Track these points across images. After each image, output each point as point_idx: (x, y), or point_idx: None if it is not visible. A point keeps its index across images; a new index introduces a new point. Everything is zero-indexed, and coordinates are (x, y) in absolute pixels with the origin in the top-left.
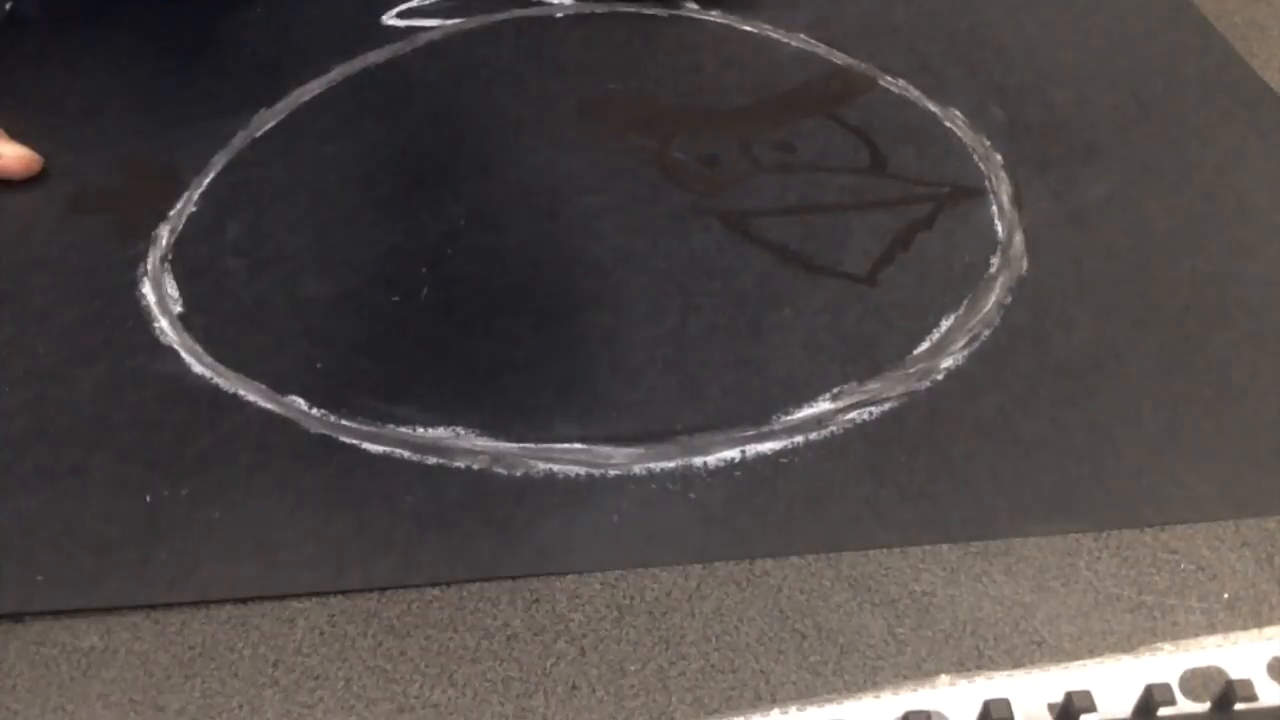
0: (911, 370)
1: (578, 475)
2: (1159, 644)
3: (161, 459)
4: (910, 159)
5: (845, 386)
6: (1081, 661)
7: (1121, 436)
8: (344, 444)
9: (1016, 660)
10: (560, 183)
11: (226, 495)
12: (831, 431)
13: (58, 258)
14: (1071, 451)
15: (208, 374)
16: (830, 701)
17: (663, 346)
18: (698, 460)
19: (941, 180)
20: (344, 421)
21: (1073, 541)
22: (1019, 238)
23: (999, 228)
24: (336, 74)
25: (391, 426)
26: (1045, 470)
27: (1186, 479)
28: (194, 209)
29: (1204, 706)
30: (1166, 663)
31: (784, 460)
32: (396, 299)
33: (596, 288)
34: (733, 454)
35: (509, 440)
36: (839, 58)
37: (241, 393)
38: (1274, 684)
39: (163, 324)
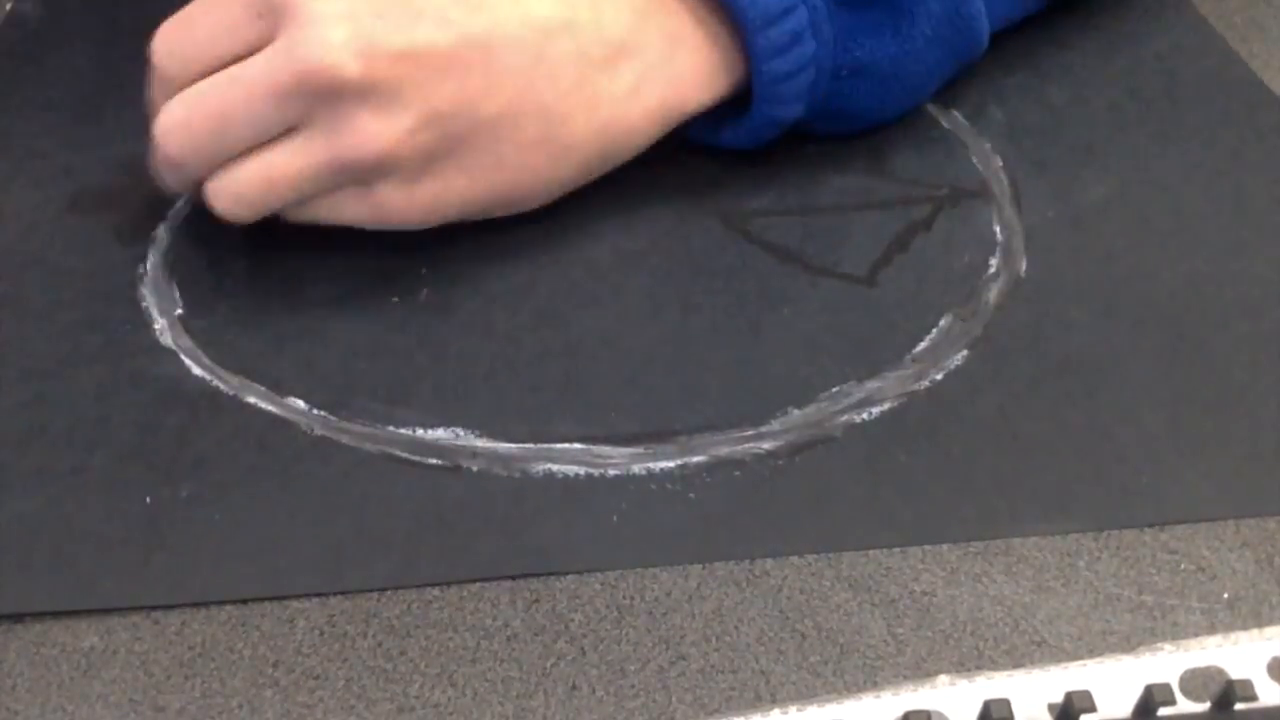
0: (911, 370)
1: (577, 475)
2: (1159, 644)
3: (161, 460)
4: (909, 159)
5: (844, 386)
6: (1081, 661)
7: (1121, 436)
8: (344, 445)
9: (1016, 660)
10: None
11: (227, 497)
12: (831, 431)
13: (58, 258)
14: (1071, 451)
15: (207, 376)
16: (830, 701)
17: (663, 346)
18: (697, 460)
19: (940, 181)
20: (344, 423)
21: (1073, 541)
22: (1018, 238)
23: (998, 228)
24: None
25: (391, 428)
26: (1045, 470)
27: (1186, 479)
28: (194, 209)
29: (1204, 706)
30: (1166, 663)
31: (784, 460)
32: (396, 299)
33: (596, 288)
34: (733, 454)
35: (508, 441)
36: None
37: (241, 394)
38: (1274, 684)
39: (162, 325)
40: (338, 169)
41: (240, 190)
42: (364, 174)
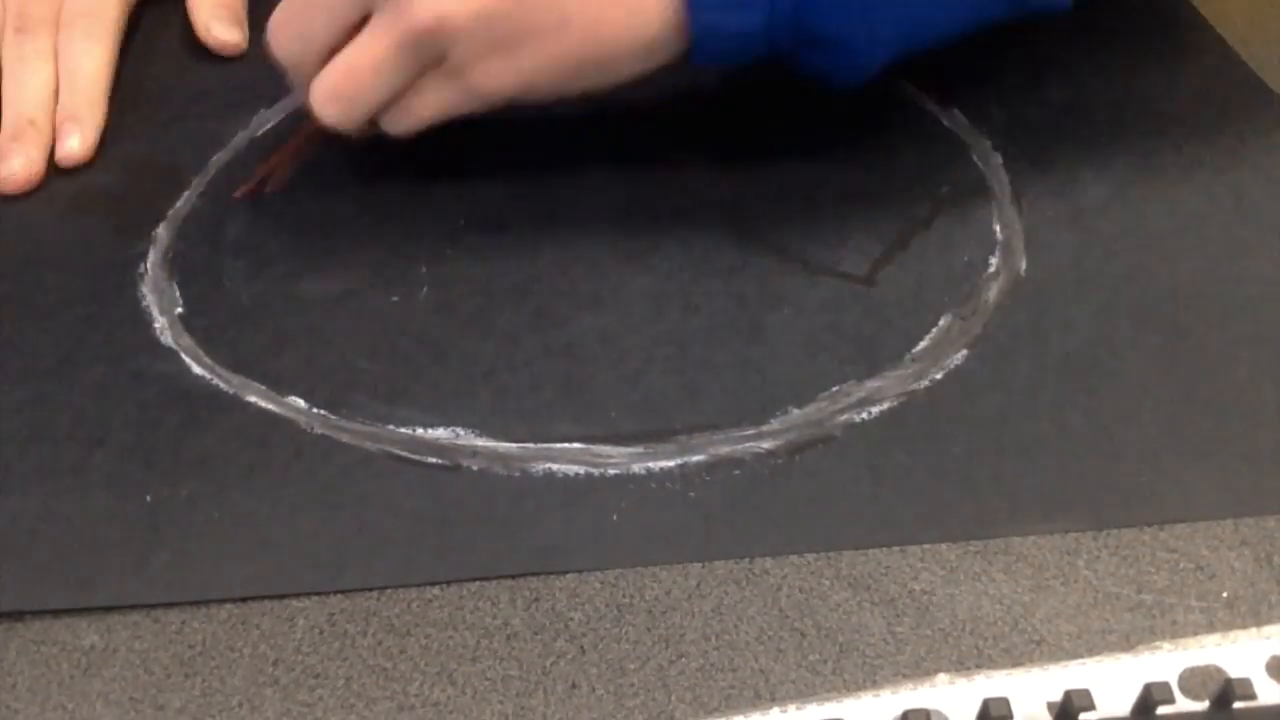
0: (910, 370)
1: (577, 475)
2: (1158, 643)
3: (161, 459)
4: (909, 158)
5: (844, 386)
6: (1080, 660)
7: (1121, 436)
8: (344, 444)
9: (1015, 659)
10: (560, 183)
11: (226, 495)
12: (831, 431)
13: (58, 258)
14: (1071, 451)
15: (207, 375)
16: (829, 700)
17: (663, 346)
18: (697, 459)
19: (941, 180)
20: (344, 422)
21: (1072, 540)
22: (1018, 237)
23: (998, 227)
24: None
25: (391, 427)
26: (1045, 470)
27: (1186, 478)
28: (194, 209)
29: (1203, 705)
30: (1165, 661)
31: (783, 459)
32: (396, 299)
33: (596, 288)
34: (732, 453)
35: (508, 440)
36: None
37: (241, 393)
38: (1273, 683)
39: (162, 324)
40: (407, 43)
41: (332, 85)
42: (435, 48)
